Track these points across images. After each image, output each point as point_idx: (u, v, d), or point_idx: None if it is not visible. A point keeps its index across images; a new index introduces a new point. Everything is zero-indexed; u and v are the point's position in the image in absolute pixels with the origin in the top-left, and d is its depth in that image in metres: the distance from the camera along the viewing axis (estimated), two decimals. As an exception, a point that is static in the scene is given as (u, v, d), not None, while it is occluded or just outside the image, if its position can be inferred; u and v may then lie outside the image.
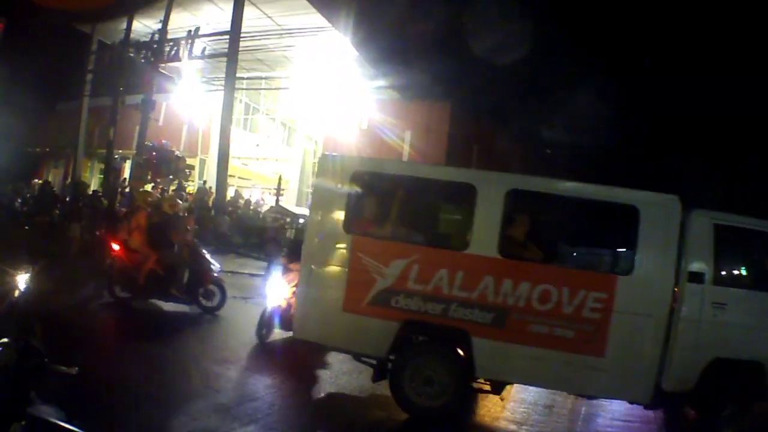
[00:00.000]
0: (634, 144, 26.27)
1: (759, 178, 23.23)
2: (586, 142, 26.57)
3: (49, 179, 29.62)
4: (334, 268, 6.89)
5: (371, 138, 24.26)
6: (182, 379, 7.00)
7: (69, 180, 29.45)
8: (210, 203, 24.06)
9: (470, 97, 23.70)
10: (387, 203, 7.27)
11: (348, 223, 6.84)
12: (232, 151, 24.76)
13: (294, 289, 8.84)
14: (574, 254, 7.08)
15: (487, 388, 6.80)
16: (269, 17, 24.33)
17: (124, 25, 27.25)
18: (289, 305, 8.67)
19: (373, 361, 6.89)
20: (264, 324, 8.85)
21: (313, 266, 6.95)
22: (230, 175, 25.54)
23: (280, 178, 23.36)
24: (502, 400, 7.28)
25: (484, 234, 6.47)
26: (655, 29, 25.60)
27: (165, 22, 26.21)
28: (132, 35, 27.24)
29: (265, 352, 8.76)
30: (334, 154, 7.41)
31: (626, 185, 6.67)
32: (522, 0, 23.68)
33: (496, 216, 6.44)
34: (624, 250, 6.54)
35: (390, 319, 6.53)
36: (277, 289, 9.01)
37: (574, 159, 26.65)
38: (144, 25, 27.26)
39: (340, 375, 7.95)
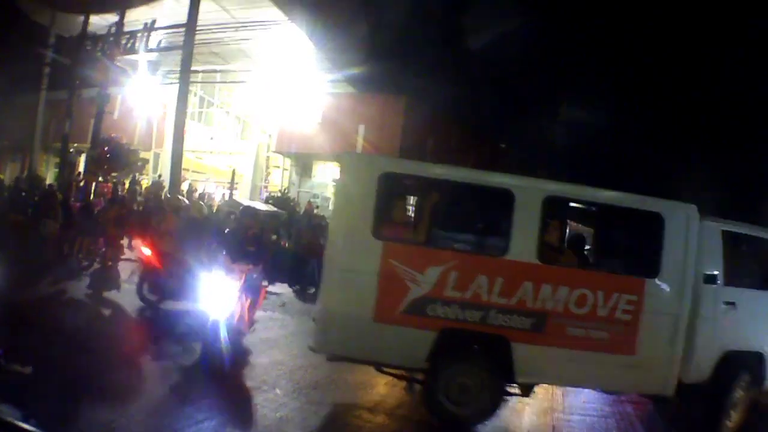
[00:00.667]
0: (588, 140, 26.34)
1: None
2: (541, 137, 26.67)
3: (6, 174, 29.30)
4: (362, 277, 6.47)
5: (326, 131, 24.13)
6: (148, 379, 6.91)
7: (25, 173, 29.11)
8: (164, 197, 23.85)
9: (425, 91, 23.57)
10: (419, 207, 7.20)
11: (377, 228, 6.49)
12: (187, 145, 24.56)
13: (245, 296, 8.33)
14: (606, 258, 7.34)
15: (517, 391, 6.83)
16: (226, 10, 24.24)
17: (82, 18, 27.07)
18: (234, 315, 8.12)
19: (396, 372, 6.86)
20: (213, 338, 7.77)
21: (337, 275, 6.56)
22: (184, 169, 25.35)
23: (233, 172, 23.21)
24: None
25: (523, 240, 6.50)
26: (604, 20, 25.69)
27: (122, 14, 26.11)
28: (89, 28, 27.03)
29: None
30: (359, 152, 6.70)
31: (582, 182, 6.95)
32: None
33: (534, 222, 6.51)
34: (651, 254, 6.79)
35: (426, 328, 6.39)
36: (222, 295, 7.99)
37: (530, 155, 26.78)
38: (101, 18, 27.05)
39: (294, 370, 7.96)
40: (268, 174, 29.02)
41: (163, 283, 10.51)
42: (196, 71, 26.12)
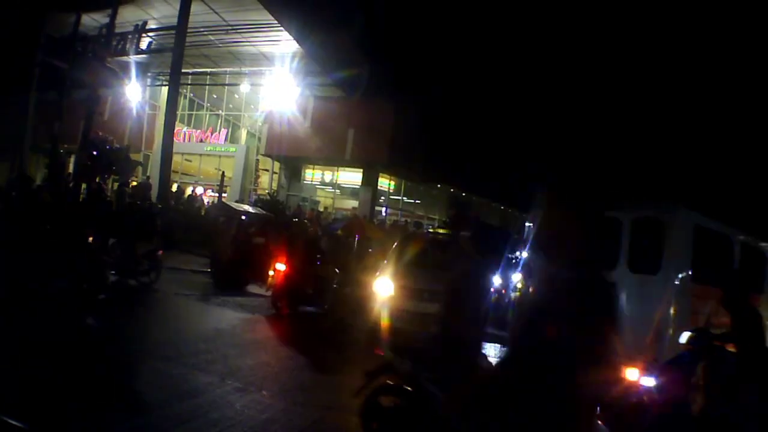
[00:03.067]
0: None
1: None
2: (533, 142, 26.76)
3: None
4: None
5: (315, 135, 24.21)
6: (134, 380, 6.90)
7: (15, 174, 29.03)
8: (153, 199, 23.87)
9: (415, 95, 23.63)
10: (703, 252, 8.15)
11: (695, 273, 7.73)
12: (176, 147, 24.61)
13: None
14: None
15: None
16: (216, 12, 24.25)
17: (73, 19, 27.04)
18: None
19: None
20: None
21: (677, 319, 7.45)
22: (173, 171, 25.35)
23: (222, 175, 23.21)
24: None
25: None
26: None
27: (113, 15, 26.12)
28: (80, 29, 27.00)
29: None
30: (683, 208, 7.87)
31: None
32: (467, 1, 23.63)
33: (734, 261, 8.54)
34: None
35: None
36: None
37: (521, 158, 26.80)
38: (92, 19, 27.03)
39: (280, 372, 7.90)
40: (257, 177, 29.08)
41: (297, 294, 12.28)
42: (186, 73, 26.18)
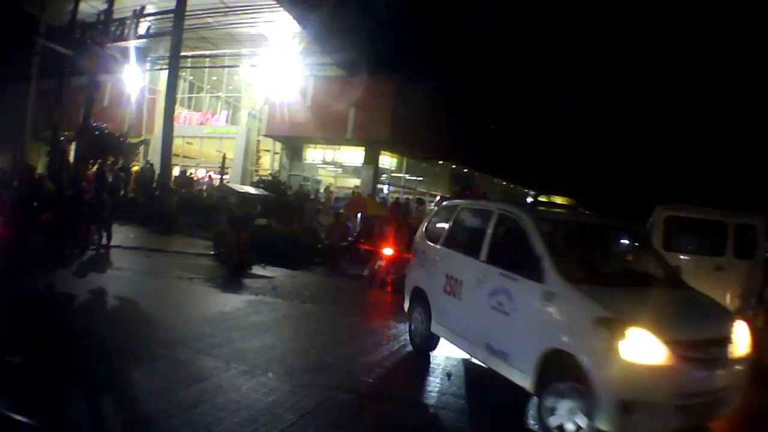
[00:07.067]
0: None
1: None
2: (530, 119, 26.72)
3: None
4: None
5: (316, 115, 24.16)
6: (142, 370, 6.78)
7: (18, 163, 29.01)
8: (154, 183, 23.92)
9: (415, 74, 23.54)
10: None
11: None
12: (176, 130, 24.62)
13: None
14: None
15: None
16: (214, -5, 24.22)
17: (71, 7, 27.00)
18: None
19: None
20: None
21: None
22: (175, 155, 25.35)
23: (224, 157, 23.18)
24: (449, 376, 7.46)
25: None
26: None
27: (111, 1, 26.13)
28: (78, 16, 26.96)
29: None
30: None
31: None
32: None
33: None
34: None
35: None
36: None
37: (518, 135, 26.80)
38: (90, 6, 26.99)
39: (286, 354, 8.15)
40: (258, 158, 29.09)
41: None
42: (186, 56, 26.15)
